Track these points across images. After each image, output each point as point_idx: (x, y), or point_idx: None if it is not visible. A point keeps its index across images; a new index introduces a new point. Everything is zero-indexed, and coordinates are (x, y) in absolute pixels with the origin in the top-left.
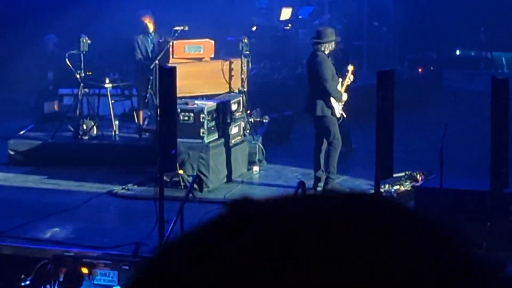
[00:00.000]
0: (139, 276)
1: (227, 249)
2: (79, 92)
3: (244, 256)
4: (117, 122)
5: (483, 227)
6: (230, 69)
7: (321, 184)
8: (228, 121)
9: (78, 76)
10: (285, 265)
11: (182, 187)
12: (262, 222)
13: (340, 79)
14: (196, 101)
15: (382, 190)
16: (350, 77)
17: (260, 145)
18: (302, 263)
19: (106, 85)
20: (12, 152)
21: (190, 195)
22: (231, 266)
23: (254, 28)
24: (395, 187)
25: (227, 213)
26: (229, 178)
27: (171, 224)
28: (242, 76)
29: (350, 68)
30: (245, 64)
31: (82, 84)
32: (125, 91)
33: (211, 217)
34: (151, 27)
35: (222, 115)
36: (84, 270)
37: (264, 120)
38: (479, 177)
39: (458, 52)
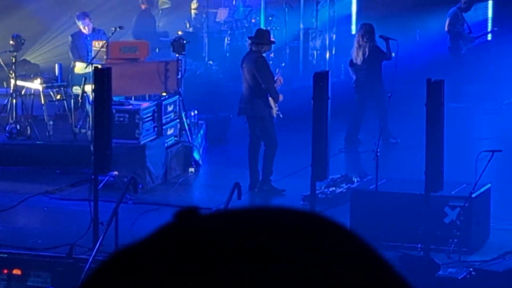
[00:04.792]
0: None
1: (173, 265)
2: (13, 92)
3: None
4: (51, 123)
5: (418, 229)
6: (166, 70)
7: (257, 185)
8: (164, 122)
9: (11, 75)
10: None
11: (117, 188)
12: (208, 237)
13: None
14: (132, 102)
15: (317, 191)
16: (280, 79)
17: (196, 146)
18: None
19: (40, 86)
20: None
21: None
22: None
23: (191, 29)
24: (331, 189)
25: (173, 225)
26: (165, 179)
27: (106, 226)
28: (178, 77)
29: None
30: (181, 65)
31: (15, 84)
32: (59, 91)
33: (159, 228)
34: (89, 28)
35: (157, 116)
36: (17, 272)
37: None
38: (415, 180)
39: None
